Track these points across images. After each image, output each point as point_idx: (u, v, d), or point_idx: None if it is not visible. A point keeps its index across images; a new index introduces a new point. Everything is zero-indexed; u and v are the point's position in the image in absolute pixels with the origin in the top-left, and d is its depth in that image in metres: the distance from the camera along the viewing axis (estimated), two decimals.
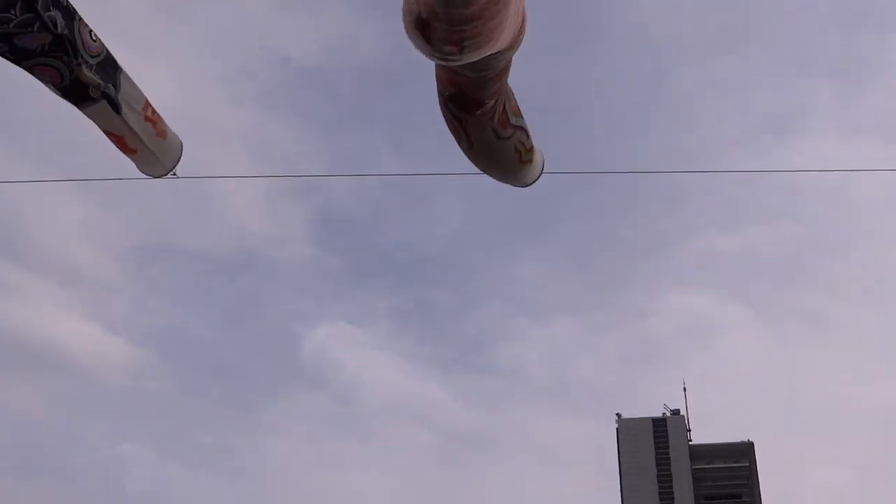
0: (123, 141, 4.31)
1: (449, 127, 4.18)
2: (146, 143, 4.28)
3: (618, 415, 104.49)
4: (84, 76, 3.89)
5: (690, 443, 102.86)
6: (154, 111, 4.41)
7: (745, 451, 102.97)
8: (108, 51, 4.10)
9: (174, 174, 4.57)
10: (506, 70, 3.72)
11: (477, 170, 4.56)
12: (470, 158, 4.44)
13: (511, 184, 4.85)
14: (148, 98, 4.37)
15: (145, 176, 4.59)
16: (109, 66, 4.08)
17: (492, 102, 3.92)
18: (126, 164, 4.44)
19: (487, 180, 4.81)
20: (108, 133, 4.34)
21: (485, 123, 4.10)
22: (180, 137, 4.53)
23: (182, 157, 4.51)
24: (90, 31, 4.00)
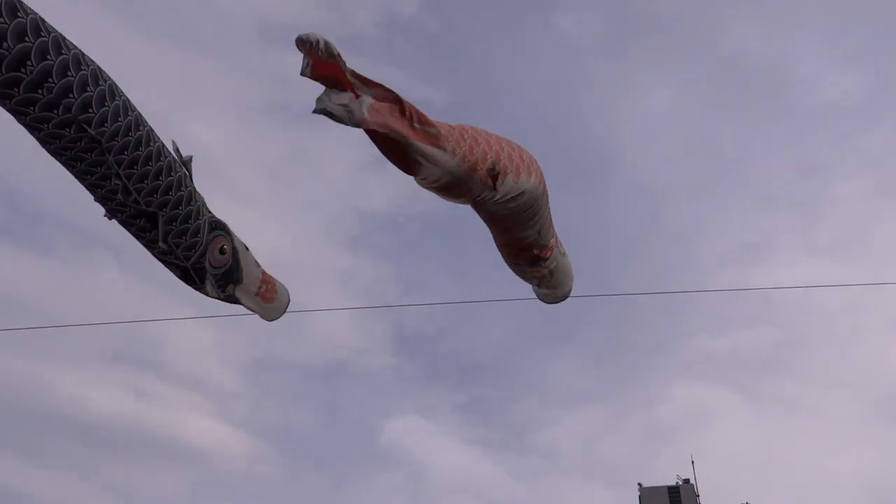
0: (265, 291, 5.41)
1: (528, 279, 5.33)
2: (258, 312, 5.40)
3: (639, 484, 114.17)
4: (206, 292, 4.90)
5: None
6: (266, 283, 5.36)
7: None
8: (232, 257, 4.96)
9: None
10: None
11: (515, 295, 6.18)
12: (545, 289, 5.57)
13: (562, 298, 5.82)
14: (263, 270, 5.34)
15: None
16: (233, 270, 5.01)
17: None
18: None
19: (526, 302, 6.19)
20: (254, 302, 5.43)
21: (556, 254, 5.14)
22: (287, 288, 5.60)
23: (289, 301, 5.64)
24: (220, 248, 4.86)
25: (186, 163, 4.74)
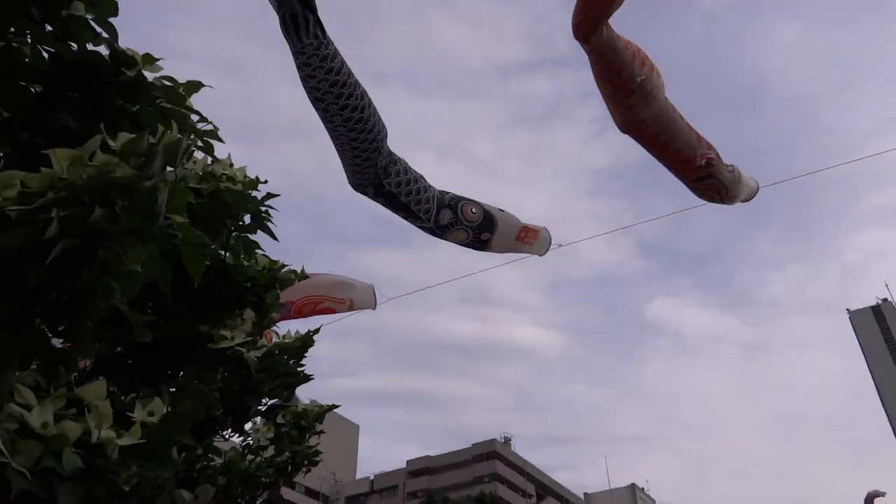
0: (523, 238, 6.43)
1: (708, 197, 5.92)
2: (526, 252, 6.50)
3: (847, 310, 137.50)
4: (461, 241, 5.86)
5: None
6: (527, 231, 6.31)
7: None
8: (484, 210, 5.83)
9: (559, 244, 6.84)
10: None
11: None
12: (729, 201, 6.11)
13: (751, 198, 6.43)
14: (523, 223, 6.25)
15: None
16: (486, 223, 5.87)
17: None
18: None
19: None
20: (509, 246, 6.37)
21: (722, 169, 5.69)
22: (547, 230, 6.53)
23: (550, 239, 6.61)
24: (472, 208, 5.76)
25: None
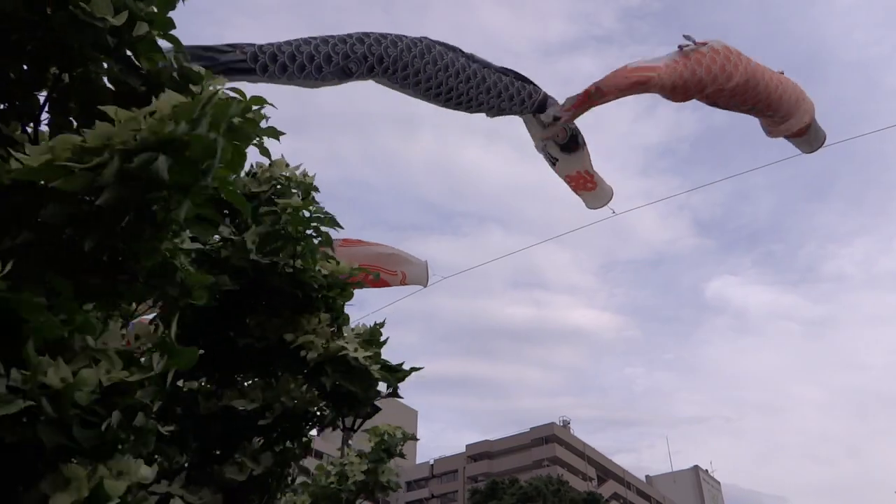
0: (584, 181, 6.57)
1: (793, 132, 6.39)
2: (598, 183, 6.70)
3: None
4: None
5: None
6: (589, 176, 6.49)
7: None
8: (573, 131, 6.44)
9: (612, 211, 7.00)
10: None
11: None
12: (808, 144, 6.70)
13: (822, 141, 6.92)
14: (594, 171, 6.65)
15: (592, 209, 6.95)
16: (571, 143, 6.47)
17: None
18: None
19: (785, 166, 8.81)
20: (569, 178, 6.61)
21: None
22: (611, 187, 6.79)
23: (612, 194, 6.87)
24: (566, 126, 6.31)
25: None
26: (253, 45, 4.86)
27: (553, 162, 6.48)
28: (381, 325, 4.04)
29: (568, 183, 6.72)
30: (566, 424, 69.72)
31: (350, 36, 5.11)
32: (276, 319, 3.87)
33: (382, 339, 4.03)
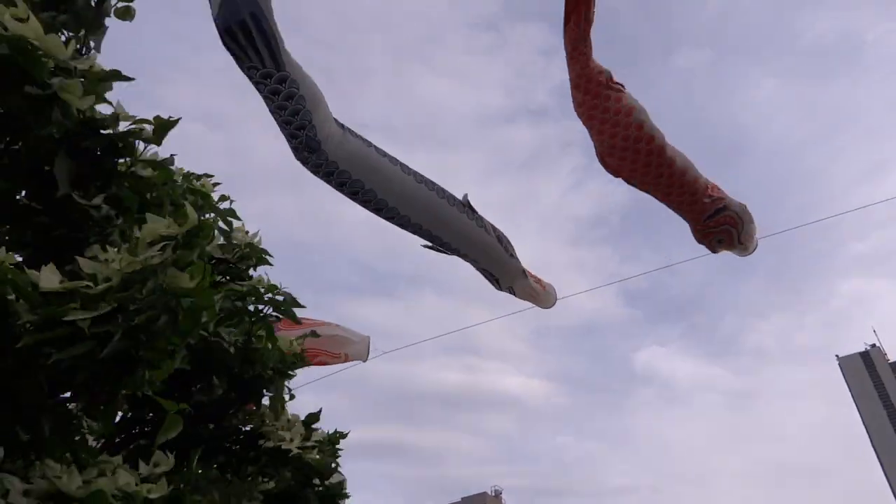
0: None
1: (724, 235, 5.61)
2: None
3: (837, 356, 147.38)
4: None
5: None
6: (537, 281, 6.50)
7: None
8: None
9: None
10: None
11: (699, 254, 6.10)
12: (742, 245, 5.79)
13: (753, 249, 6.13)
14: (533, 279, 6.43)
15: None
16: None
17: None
18: None
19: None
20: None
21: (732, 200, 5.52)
22: (553, 287, 6.60)
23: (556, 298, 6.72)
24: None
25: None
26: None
27: (513, 292, 6.72)
28: (343, 436, 4.11)
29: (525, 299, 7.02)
30: (498, 494, 68.84)
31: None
32: (232, 399, 3.85)
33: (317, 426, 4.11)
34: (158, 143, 2.96)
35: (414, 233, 5.55)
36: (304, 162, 4.98)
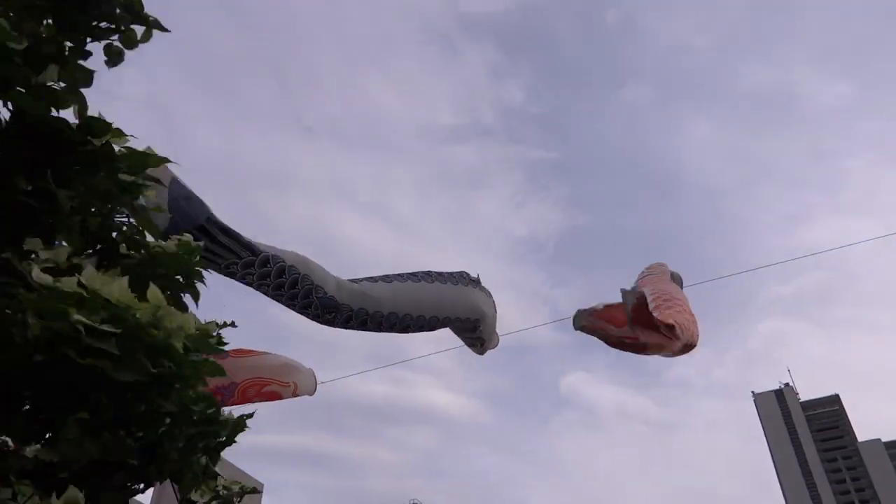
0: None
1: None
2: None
3: (752, 392, 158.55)
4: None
5: None
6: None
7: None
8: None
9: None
10: None
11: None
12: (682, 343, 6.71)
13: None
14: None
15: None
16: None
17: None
18: None
19: None
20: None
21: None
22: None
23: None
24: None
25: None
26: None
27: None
28: (250, 416, 4.00)
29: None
30: None
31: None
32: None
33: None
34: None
35: (432, 327, 5.45)
36: (331, 323, 4.61)
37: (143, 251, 3.45)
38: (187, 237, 3.59)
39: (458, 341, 8.70)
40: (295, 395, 8.04)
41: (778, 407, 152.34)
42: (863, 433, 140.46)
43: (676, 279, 7.66)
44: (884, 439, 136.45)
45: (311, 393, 8.24)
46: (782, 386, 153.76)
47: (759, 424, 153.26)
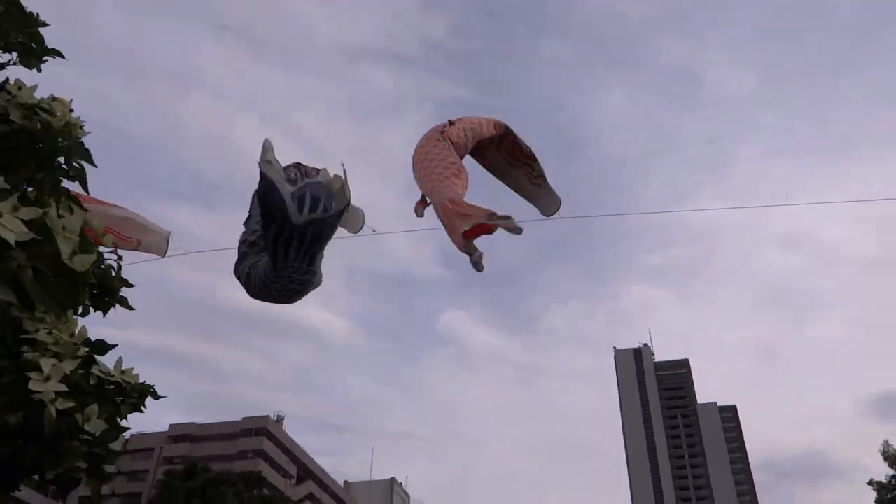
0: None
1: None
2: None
3: (614, 348, 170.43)
4: None
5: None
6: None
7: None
8: None
9: (373, 230, 6.64)
10: None
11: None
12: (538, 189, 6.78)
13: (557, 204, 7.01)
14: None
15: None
16: None
17: None
18: None
19: (534, 227, 6.96)
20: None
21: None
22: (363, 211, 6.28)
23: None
24: None
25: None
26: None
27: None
28: (152, 388, 3.45)
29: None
30: (280, 419, 69.29)
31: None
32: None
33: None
34: None
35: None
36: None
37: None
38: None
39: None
40: (136, 249, 7.89)
41: (634, 364, 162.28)
42: (703, 397, 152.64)
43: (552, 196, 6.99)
44: (719, 403, 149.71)
45: (162, 254, 8.00)
46: (641, 346, 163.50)
47: (616, 378, 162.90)
